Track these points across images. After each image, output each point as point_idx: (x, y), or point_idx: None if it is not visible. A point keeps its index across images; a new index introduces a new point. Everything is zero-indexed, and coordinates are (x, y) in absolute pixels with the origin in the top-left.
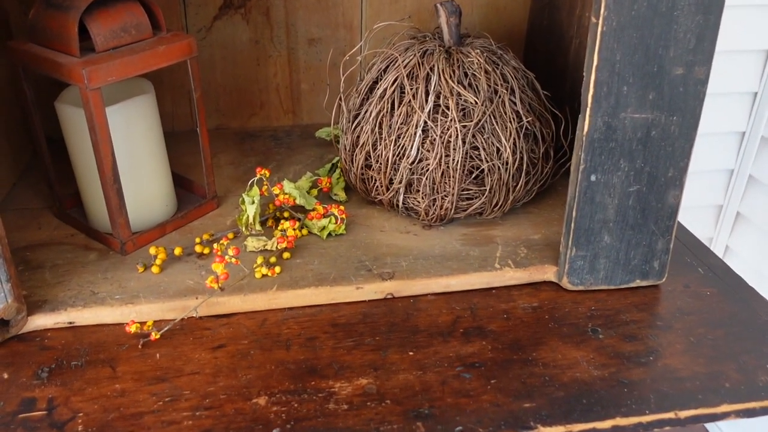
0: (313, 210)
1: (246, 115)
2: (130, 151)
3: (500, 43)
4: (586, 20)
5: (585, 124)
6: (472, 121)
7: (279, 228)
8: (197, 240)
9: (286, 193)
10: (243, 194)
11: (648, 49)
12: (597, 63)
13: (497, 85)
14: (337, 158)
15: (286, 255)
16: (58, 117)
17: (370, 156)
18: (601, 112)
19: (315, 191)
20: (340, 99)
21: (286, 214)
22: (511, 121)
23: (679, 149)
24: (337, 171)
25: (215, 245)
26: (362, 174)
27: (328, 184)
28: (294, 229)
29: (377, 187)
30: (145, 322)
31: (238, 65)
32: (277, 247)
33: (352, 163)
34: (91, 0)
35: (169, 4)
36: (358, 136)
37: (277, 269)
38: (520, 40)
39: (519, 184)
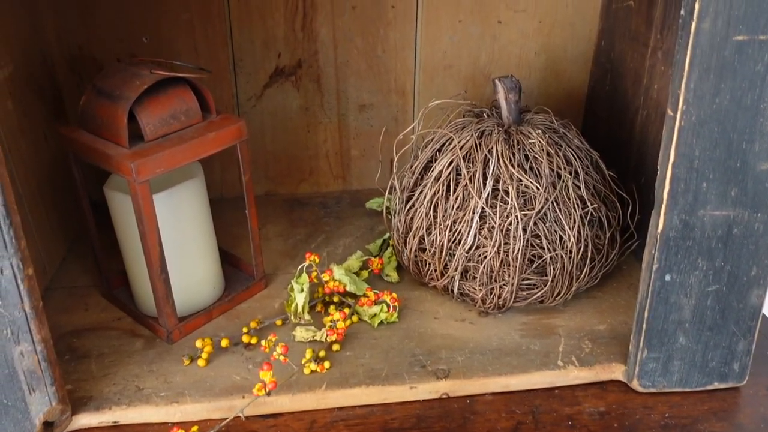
0: (364, 296)
1: (295, 182)
2: (178, 236)
3: (562, 120)
4: (654, 92)
5: (660, 221)
6: (533, 209)
7: (329, 318)
8: (245, 330)
9: (336, 280)
10: (292, 281)
11: (730, 144)
12: (674, 159)
13: (560, 169)
14: (388, 234)
15: (335, 347)
16: (107, 200)
17: (423, 240)
18: (677, 210)
19: (366, 273)
20: (393, 177)
21: (335, 299)
22: (575, 207)
23: (764, 247)
24: (389, 249)
25: (263, 342)
26: (415, 257)
27: (379, 265)
28: (344, 321)
29: (431, 272)
30: (189, 429)
31: (288, 132)
32: (326, 339)
33: (405, 246)
34: (141, 90)
35: (220, 73)
36: (412, 218)
37: (327, 364)
38: (579, 104)
39: (583, 273)
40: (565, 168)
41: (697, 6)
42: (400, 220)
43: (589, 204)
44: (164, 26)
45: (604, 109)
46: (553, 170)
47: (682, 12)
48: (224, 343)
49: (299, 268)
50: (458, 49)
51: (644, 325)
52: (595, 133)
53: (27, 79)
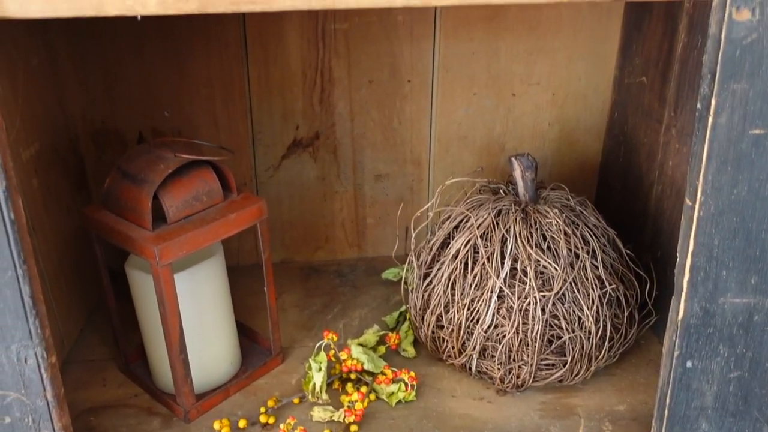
0: (382, 374)
1: (311, 249)
2: (197, 314)
3: (578, 197)
4: (669, 169)
5: (680, 309)
6: (552, 290)
7: (347, 398)
8: (262, 409)
9: (354, 358)
10: (310, 359)
11: (749, 233)
12: (693, 248)
13: (578, 249)
14: (405, 307)
15: (353, 428)
16: (128, 277)
17: (441, 317)
18: (698, 297)
19: (383, 348)
20: (411, 253)
21: (353, 377)
22: (593, 288)
23: None
24: (406, 324)
25: (282, 426)
26: (433, 334)
27: (396, 341)
28: (362, 402)
29: (449, 349)
30: None
31: (304, 201)
32: (344, 420)
33: (422, 322)
34: (165, 174)
35: (239, 145)
36: (429, 295)
37: None
38: (593, 174)
39: (602, 353)
40: (582, 248)
41: (713, 102)
42: (417, 297)
43: (607, 284)
44: (186, 101)
45: (618, 180)
46: (570, 250)
47: (699, 106)
48: (242, 423)
49: (317, 346)
50: (473, 121)
51: (666, 412)
52: (609, 204)
53: (52, 155)
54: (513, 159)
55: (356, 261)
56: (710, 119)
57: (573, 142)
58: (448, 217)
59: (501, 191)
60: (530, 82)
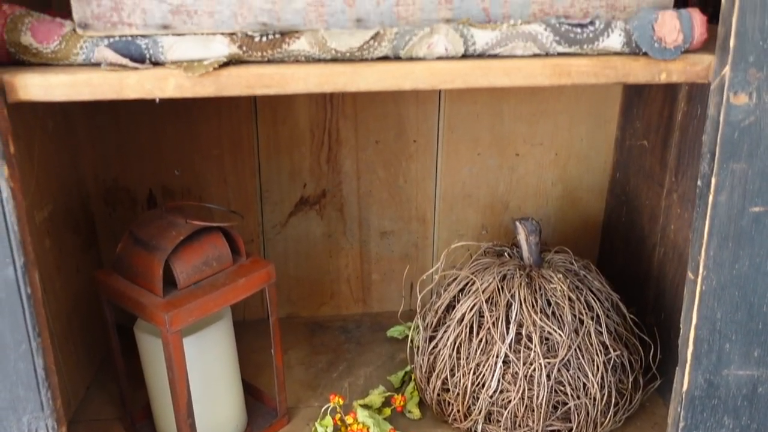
0: None
1: (316, 304)
2: (204, 376)
3: (582, 260)
4: (671, 232)
5: (684, 380)
6: (557, 356)
7: None
8: None
9: (360, 422)
10: (316, 423)
11: (751, 307)
12: (696, 321)
13: (582, 314)
14: (410, 367)
15: None
16: (136, 340)
17: (447, 381)
18: (702, 369)
19: (388, 410)
20: (417, 316)
21: None
22: (597, 354)
23: None
24: (411, 384)
25: None
26: (438, 396)
27: (402, 402)
28: None
29: (454, 412)
30: None
31: (310, 257)
32: None
33: (428, 385)
34: (177, 241)
35: (247, 203)
36: (435, 358)
37: None
38: (596, 232)
39: (607, 418)
40: (586, 314)
41: (713, 181)
42: (423, 359)
43: (611, 350)
44: (196, 160)
45: (620, 239)
46: (575, 316)
47: (699, 183)
48: None
49: (323, 409)
50: (477, 180)
51: None
52: (612, 262)
53: (64, 215)
54: (517, 223)
55: (361, 316)
56: (711, 197)
57: (575, 200)
58: (454, 280)
59: (506, 254)
60: (533, 143)
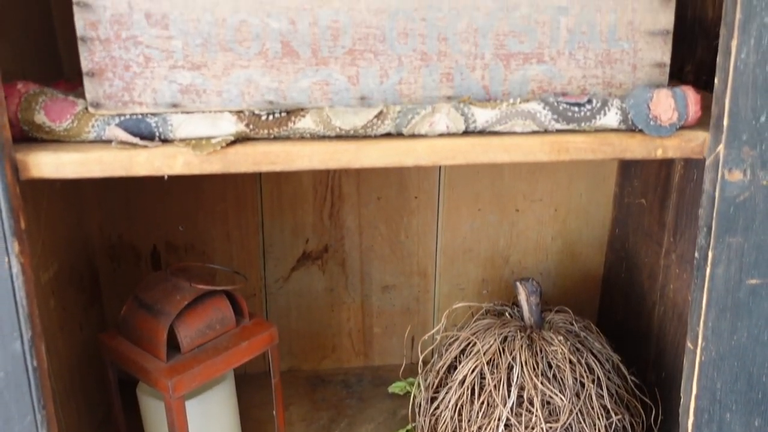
0: None
1: (318, 358)
2: None
3: (582, 321)
4: (670, 291)
5: None
6: (558, 421)
7: None
8: None
9: None
10: None
11: (751, 377)
12: (696, 392)
13: (583, 378)
14: (411, 426)
15: None
16: (139, 402)
17: None
18: None
19: None
20: (418, 376)
21: None
22: (599, 417)
23: None
24: None
25: None
26: None
27: None
28: None
29: None
30: None
31: (312, 311)
32: None
33: None
34: (182, 306)
35: (250, 258)
36: (437, 419)
37: None
38: (596, 286)
39: None
40: (587, 377)
41: (710, 254)
42: (425, 420)
43: (613, 414)
44: (200, 216)
45: (620, 295)
46: (576, 379)
47: (697, 256)
48: None
49: None
50: (477, 234)
51: None
52: (612, 317)
53: (69, 273)
54: (518, 283)
55: (363, 370)
56: (708, 269)
57: (575, 255)
58: (455, 340)
59: (506, 314)
60: (533, 199)
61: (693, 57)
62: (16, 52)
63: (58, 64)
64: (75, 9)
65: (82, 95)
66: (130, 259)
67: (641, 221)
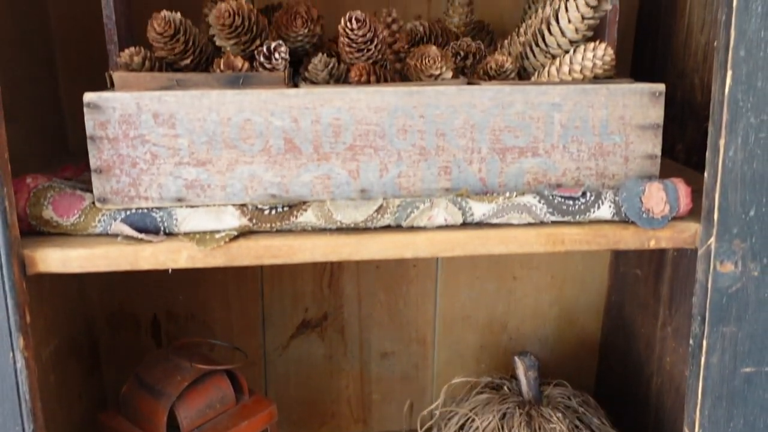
0: None
1: (317, 425)
2: None
3: (581, 395)
4: (667, 364)
5: None
6: None
7: None
8: None
9: None
10: None
11: None
12: None
13: None
14: None
15: None
16: None
17: None
18: None
19: None
20: None
21: None
22: None
23: None
24: None
25: None
26: None
27: None
28: None
29: None
30: None
31: (311, 378)
32: None
33: None
34: (182, 387)
35: (250, 327)
36: None
37: None
38: (593, 351)
39: None
40: None
41: (704, 343)
42: None
43: None
44: (200, 285)
45: (618, 363)
46: None
47: (691, 344)
48: None
49: None
50: (475, 302)
51: None
52: (610, 384)
53: (69, 346)
54: (517, 358)
55: None
56: (703, 358)
57: (573, 321)
58: (454, 415)
59: (505, 387)
60: (530, 267)
61: (683, 137)
62: (24, 131)
63: (64, 138)
64: (85, 110)
65: (88, 181)
66: (131, 328)
67: (637, 291)
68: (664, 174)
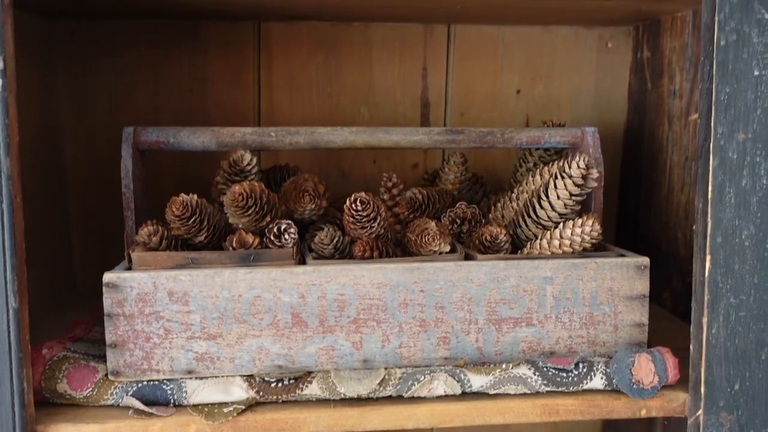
0: None
1: None
2: None
3: None
4: None
5: None
6: None
7: None
8: None
9: None
10: None
11: None
12: None
13: None
14: None
15: None
16: None
17: None
18: None
19: None
20: None
21: None
22: None
23: None
24: None
25: None
26: None
27: None
28: None
29: None
30: None
31: None
32: None
33: None
34: None
35: None
36: None
37: None
38: None
39: None
40: None
41: None
42: None
43: None
44: None
45: None
46: None
47: None
48: None
49: None
50: None
51: None
52: None
53: None
54: None
55: None
56: None
57: None
58: None
59: None
60: None
61: (669, 286)
62: (36, 276)
63: (73, 278)
64: (104, 290)
65: (99, 340)
66: None
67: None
68: (653, 323)
